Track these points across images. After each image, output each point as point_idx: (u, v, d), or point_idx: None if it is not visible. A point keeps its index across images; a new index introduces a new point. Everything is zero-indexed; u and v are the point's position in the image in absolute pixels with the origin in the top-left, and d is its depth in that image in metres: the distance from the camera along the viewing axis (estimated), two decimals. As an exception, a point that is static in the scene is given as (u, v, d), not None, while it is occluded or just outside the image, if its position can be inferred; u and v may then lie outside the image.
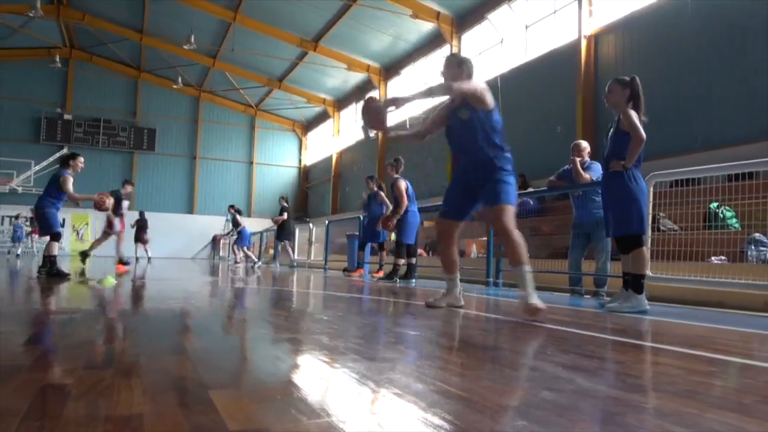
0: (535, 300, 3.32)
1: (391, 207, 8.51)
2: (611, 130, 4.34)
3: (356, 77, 22.10)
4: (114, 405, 1.33)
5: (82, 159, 7.20)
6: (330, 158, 25.74)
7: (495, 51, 15.56)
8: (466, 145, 3.88)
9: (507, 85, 14.51)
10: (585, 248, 6.10)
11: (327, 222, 13.55)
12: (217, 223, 26.23)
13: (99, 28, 22.54)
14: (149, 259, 15.83)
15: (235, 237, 15.53)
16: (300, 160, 29.11)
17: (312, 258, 14.83)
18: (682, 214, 6.12)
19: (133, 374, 1.67)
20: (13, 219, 22.03)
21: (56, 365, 1.79)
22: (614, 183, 4.21)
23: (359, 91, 23.14)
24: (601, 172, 5.70)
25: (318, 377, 1.75)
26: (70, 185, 6.92)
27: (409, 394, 1.48)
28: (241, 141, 28.08)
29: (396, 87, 20.71)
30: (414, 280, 8.13)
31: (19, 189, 23.44)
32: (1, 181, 23.35)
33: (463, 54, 6.37)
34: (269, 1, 18.04)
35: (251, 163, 28.08)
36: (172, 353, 2.07)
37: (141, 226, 15.95)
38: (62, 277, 6.56)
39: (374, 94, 21.74)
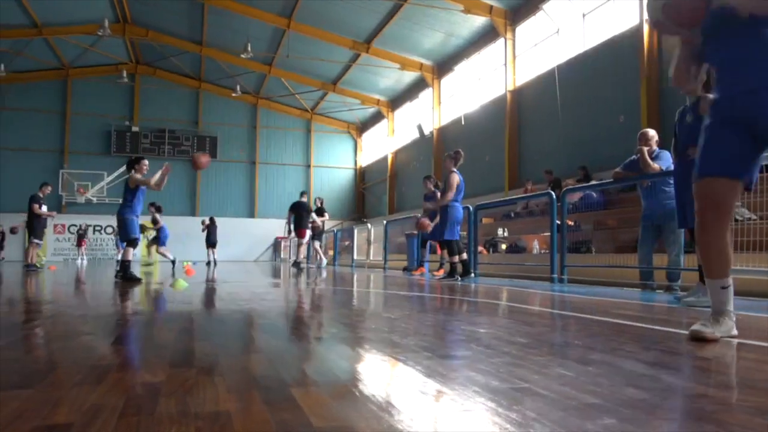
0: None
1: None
2: (686, 116, 4.13)
3: (409, 76, 22.10)
4: (202, 402, 1.38)
5: (146, 162, 7.50)
6: (385, 158, 25.84)
7: (551, 42, 15.19)
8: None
9: (565, 76, 14.13)
10: (656, 241, 5.85)
11: (385, 222, 13.61)
12: (278, 226, 26.83)
13: (162, 43, 23.55)
14: (215, 262, 16.35)
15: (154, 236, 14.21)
16: (356, 162, 29.39)
17: (371, 258, 14.93)
18: (761, 202, 5.77)
19: (215, 373, 1.73)
20: (79, 228, 23.26)
21: (143, 365, 1.87)
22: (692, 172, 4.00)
23: (412, 90, 23.13)
24: (671, 161, 5.46)
25: (395, 375, 1.75)
26: (139, 177, 7.19)
27: (488, 391, 1.46)
28: (298, 145, 28.63)
29: (449, 84, 20.57)
30: (473, 277, 8.04)
31: (94, 199, 24.78)
32: (79, 191, 24.75)
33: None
34: (321, 6, 18.30)
35: (308, 166, 28.58)
36: (249, 352, 2.13)
37: (211, 231, 16.40)
38: (135, 281, 6.87)
39: (428, 92, 21.69)
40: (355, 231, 15.60)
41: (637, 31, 12.14)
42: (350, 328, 2.91)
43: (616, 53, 12.81)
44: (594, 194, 9.61)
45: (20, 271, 11.33)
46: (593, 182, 9.82)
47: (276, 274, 11.12)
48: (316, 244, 14.10)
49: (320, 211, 13.93)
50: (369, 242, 15.29)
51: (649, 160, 5.65)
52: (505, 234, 12.45)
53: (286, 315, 3.68)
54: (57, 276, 9.39)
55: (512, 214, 13.18)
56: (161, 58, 25.06)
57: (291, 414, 1.28)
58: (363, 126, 28.92)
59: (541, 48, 15.59)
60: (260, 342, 2.38)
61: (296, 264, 13.35)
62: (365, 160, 29.00)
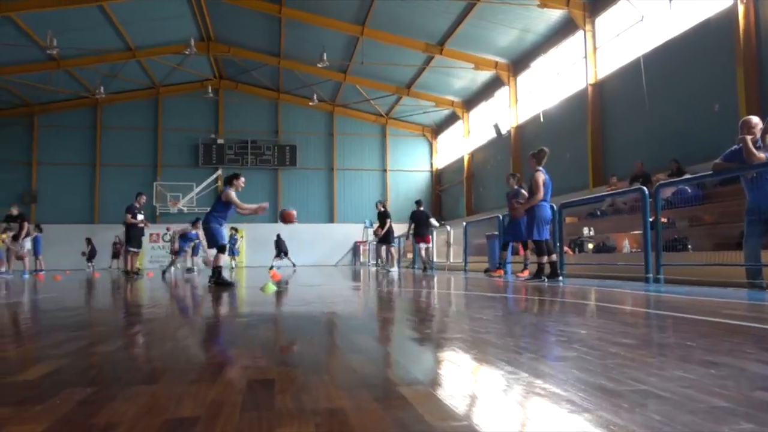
0: None
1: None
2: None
3: (484, 75, 21.80)
4: (315, 399, 1.41)
5: (243, 179, 7.91)
6: (462, 159, 25.61)
7: (634, 31, 14.48)
8: None
9: (651, 65, 13.43)
10: (763, 236, 5.42)
11: (465, 224, 13.48)
12: (357, 231, 27.25)
13: (242, 58, 24.60)
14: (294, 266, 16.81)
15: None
16: (431, 164, 29.32)
17: (451, 260, 14.83)
18: None
19: (322, 371, 1.77)
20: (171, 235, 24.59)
21: (252, 363, 1.94)
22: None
23: (487, 89, 22.80)
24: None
25: (502, 374, 1.72)
26: (233, 196, 7.63)
27: (604, 393, 1.40)
28: (374, 150, 28.95)
29: (526, 81, 20.10)
30: (561, 279, 7.79)
31: (185, 209, 26.21)
32: (170, 203, 26.29)
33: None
34: (394, 11, 18.44)
35: (384, 170, 28.84)
36: (351, 352, 2.16)
37: (280, 241, 17.08)
38: (228, 285, 7.19)
39: (503, 90, 21.31)
40: (434, 233, 15.53)
41: (730, 12, 11.33)
42: (443, 328, 2.89)
43: (707, 37, 12.02)
44: (688, 189, 9.05)
45: (121, 278, 12.13)
46: (687, 176, 9.25)
47: (357, 277, 11.28)
48: (392, 248, 14.19)
49: (384, 215, 14.00)
50: (448, 244, 15.19)
51: (754, 150, 5.26)
52: (591, 233, 11.98)
53: (377, 316, 3.71)
54: (154, 282, 9.97)
55: (598, 212, 12.66)
56: (242, 72, 26.17)
57: (404, 412, 1.28)
58: (438, 128, 28.82)
59: (623, 38, 14.90)
60: (359, 342, 2.41)
61: (384, 267, 13.66)
62: (441, 162, 28.87)
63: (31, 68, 22.08)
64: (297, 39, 21.94)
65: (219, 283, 7.26)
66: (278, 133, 28.04)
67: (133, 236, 12.64)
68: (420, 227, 13.67)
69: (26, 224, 12.92)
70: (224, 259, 7.69)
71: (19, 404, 1.42)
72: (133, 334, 2.85)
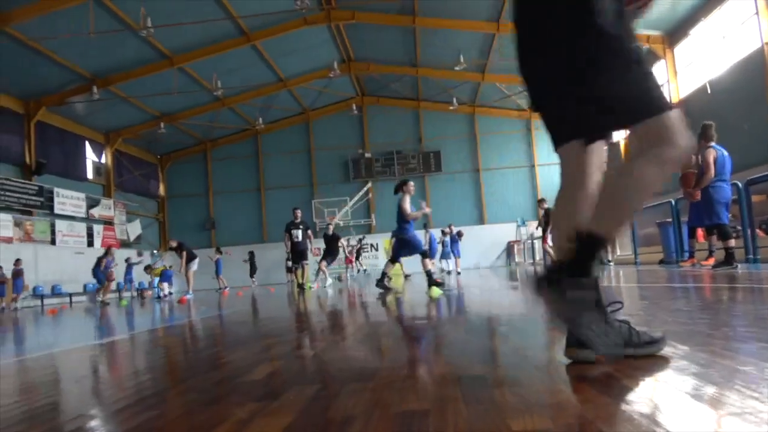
0: None
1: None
2: None
3: (634, 52, 20.19)
4: (536, 393, 1.38)
5: (412, 183, 8.01)
6: (617, 144, 23.92)
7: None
8: None
9: None
10: None
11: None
12: (509, 230, 26.65)
13: (381, 73, 25.47)
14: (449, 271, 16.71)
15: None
16: (582, 154, 27.79)
17: (618, 253, 13.87)
18: None
19: (529, 366, 1.73)
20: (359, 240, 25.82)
21: (452, 362, 1.96)
22: None
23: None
24: None
25: (736, 366, 1.54)
26: (406, 204, 7.77)
27: None
28: (519, 146, 28.20)
29: (685, 51, 18.25)
30: (737, 265, 6.88)
31: (341, 223, 27.67)
32: (328, 219, 27.90)
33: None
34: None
35: (533, 166, 27.94)
36: (550, 346, 2.09)
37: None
38: (440, 285, 7.00)
39: (659, 65, 19.57)
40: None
41: None
42: (642, 322, 2.69)
43: None
44: None
45: (295, 291, 13.03)
46: None
47: (514, 277, 11.00)
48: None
49: (548, 214, 13.40)
50: (612, 237, 14.17)
51: None
52: (786, 211, 10.46)
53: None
54: (321, 293, 10.58)
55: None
56: (382, 86, 27.08)
57: (640, 406, 1.20)
58: (586, 116, 27.28)
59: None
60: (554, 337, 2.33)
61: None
62: (593, 151, 27.25)
63: (202, 110, 24.91)
64: (432, 46, 22.18)
65: (433, 284, 7.04)
66: (421, 140, 28.50)
67: (293, 252, 12.91)
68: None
69: (184, 252, 14.42)
70: (430, 263, 7.69)
71: (259, 400, 1.57)
72: (330, 338, 3.04)
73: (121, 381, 2.28)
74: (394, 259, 7.96)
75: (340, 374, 1.91)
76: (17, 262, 16.82)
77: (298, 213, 12.90)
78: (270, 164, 28.94)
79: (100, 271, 15.56)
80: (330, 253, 14.12)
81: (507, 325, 3.03)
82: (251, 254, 23.53)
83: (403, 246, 7.93)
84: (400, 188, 7.93)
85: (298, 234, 12.56)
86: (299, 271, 13.11)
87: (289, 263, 13.71)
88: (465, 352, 2.17)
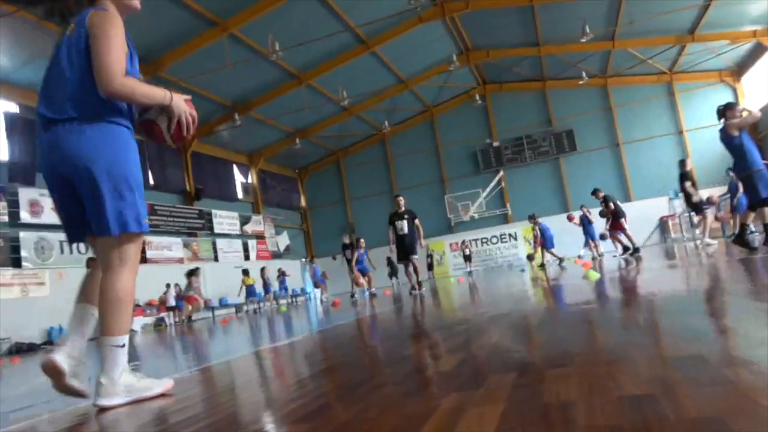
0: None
1: None
2: None
3: (794, -13, 17.70)
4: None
5: (739, 107, 6.56)
6: (781, 96, 21.11)
7: None
8: None
9: None
10: None
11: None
12: (661, 205, 24.64)
13: (501, 58, 24.83)
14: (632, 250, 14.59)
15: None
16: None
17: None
18: None
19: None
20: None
21: (663, 343, 1.84)
22: None
23: (802, 2, 18.40)
24: None
25: None
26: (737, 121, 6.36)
27: None
28: (662, 112, 25.93)
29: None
30: None
31: (476, 215, 27.41)
32: (462, 212, 27.78)
33: None
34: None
35: (680, 132, 25.54)
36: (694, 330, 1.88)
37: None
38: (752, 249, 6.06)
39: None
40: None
41: None
42: None
43: None
44: None
45: (435, 287, 13.14)
46: None
47: (671, 255, 10.09)
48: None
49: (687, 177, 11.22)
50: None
51: None
52: None
53: (702, 295, 3.22)
54: (463, 287, 10.52)
55: None
56: (504, 71, 26.39)
57: None
58: (739, 68, 24.34)
59: None
60: (694, 324, 2.09)
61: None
62: (755, 105, 24.23)
63: (332, 121, 26.04)
64: (553, 21, 21.18)
65: (740, 243, 6.13)
66: (551, 121, 27.33)
67: (399, 247, 11.01)
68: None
69: (356, 251, 15.02)
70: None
71: (460, 390, 1.58)
72: (503, 326, 2.99)
73: (314, 376, 2.42)
74: (760, 202, 6.18)
75: (534, 361, 1.87)
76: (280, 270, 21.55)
77: (401, 200, 11.18)
78: (400, 165, 29.46)
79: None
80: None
81: (675, 309, 2.79)
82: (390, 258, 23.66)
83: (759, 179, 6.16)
84: (722, 114, 6.47)
85: (404, 225, 10.80)
86: (410, 269, 10.92)
87: (394, 260, 11.82)
88: (667, 331, 2.02)
